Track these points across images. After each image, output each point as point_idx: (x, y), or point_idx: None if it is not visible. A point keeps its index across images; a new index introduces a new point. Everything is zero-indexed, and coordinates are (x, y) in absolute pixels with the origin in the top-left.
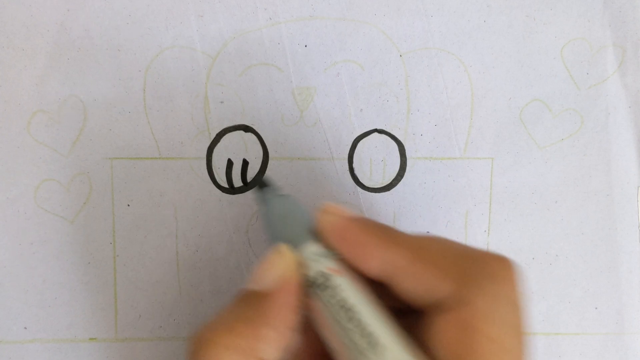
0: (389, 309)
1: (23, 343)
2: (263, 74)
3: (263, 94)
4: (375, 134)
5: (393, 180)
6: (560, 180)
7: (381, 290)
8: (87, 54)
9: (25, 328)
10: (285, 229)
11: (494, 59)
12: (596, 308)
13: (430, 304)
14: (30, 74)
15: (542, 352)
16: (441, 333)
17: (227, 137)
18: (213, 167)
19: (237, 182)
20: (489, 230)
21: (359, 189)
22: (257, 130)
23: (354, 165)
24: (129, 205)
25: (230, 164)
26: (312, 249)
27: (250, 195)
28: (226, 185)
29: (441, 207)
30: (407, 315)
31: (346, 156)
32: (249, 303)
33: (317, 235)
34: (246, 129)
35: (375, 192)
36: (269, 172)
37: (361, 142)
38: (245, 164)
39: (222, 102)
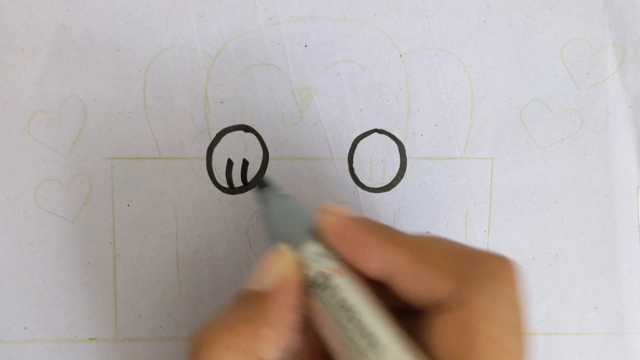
0: (388, 309)
1: (23, 343)
2: (263, 74)
3: (263, 94)
4: (375, 134)
5: (393, 180)
6: (560, 180)
7: (381, 290)
8: (87, 54)
9: (25, 328)
10: (285, 229)
11: (494, 59)
12: (596, 308)
13: (430, 304)
14: (30, 74)
15: (542, 352)
16: (441, 333)
17: (227, 137)
18: (213, 167)
19: (237, 182)
20: (489, 230)
21: (359, 189)
22: (257, 130)
23: (354, 165)
24: (129, 205)
25: (230, 164)
26: (312, 249)
27: (250, 195)
28: (226, 185)
29: (441, 207)
30: (407, 315)
31: (346, 156)
32: (249, 303)
33: (317, 235)
34: (246, 129)
35: (375, 192)
36: (269, 172)
37: (361, 142)
38: (245, 164)
39: (222, 102)
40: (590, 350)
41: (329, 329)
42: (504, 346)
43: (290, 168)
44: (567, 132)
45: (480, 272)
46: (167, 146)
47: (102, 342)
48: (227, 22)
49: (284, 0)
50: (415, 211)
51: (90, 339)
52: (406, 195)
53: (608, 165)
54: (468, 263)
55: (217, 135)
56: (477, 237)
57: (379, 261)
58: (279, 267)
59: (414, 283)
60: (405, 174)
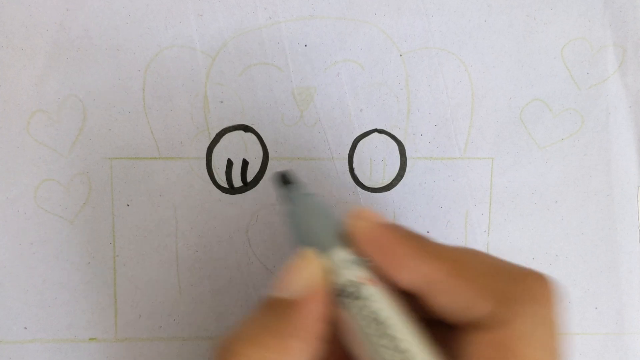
0: (420, 321)
1: (23, 343)
2: (263, 73)
3: (263, 94)
4: (375, 134)
5: (393, 180)
6: (560, 180)
7: (410, 301)
8: (87, 54)
9: (25, 328)
10: (312, 232)
11: (495, 58)
12: (596, 308)
13: (466, 321)
14: (30, 73)
15: None
16: (476, 352)
17: (227, 137)
18: (213, 167)
19: (237, 182)
20: (489, 230)
21: (359, 189)
22: (257, 130)
23: (354, 165)
24: (128, 205)
25: (230, 164)
26: (341, 255)
27: (250, 195)
28: (226, 185)
29: (441, 207)
30: (435, 326)
31: (346, 156)
32: (276, 312)
33: (345, 240)
34: (246, 128)
35: (375, 192)
36: (268, 173)
37: (361, 142)
38: (245, 164)
39: (221, 102)
40: (590, 350)
41: (357, 341)
42: None
43: (290, 168)
44: (567, 132)
45: (520, 292)
46: (167, 146)
47: (102, 342)
48: (227, 22)
49: None
50: (415, 211)
51: (90, 339)
52: (406, 195)
53: (608, 165)
54: (507, 281)
55: (216, 135)
56: (477, 237)
57: (414, 273)
58: (306, 273)
59: (451, 299)
60: (405, 174)
